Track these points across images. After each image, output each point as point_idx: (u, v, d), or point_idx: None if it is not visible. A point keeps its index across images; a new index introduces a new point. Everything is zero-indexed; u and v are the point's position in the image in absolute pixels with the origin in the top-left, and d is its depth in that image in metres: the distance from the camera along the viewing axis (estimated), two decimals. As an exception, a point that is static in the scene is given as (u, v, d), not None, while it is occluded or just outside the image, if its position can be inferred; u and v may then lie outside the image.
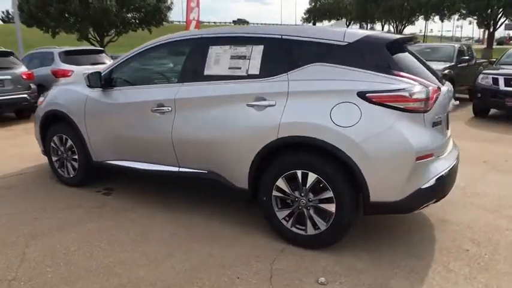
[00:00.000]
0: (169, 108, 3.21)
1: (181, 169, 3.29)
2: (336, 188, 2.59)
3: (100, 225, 3.25)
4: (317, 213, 2.71)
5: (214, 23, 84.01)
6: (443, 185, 2.66)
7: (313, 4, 42.45)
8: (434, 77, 2.86)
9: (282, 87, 2.74)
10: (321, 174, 2.62)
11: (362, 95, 2.49)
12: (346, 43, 2.66)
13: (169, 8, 20.28)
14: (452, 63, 9.05)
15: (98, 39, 22.28)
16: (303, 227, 2.78)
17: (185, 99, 3.13)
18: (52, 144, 4.18)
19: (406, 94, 2.45)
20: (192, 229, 3.16)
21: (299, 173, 2.70)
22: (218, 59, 3.05)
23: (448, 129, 3.01)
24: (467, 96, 9.80)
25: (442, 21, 41.49)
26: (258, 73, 2.86)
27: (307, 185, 2.69)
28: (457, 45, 10.15)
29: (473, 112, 8.03)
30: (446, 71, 8.23)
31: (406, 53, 2.88)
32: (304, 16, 45.52)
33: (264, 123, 2.77)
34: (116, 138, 3.63)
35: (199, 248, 2.86)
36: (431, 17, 40.96)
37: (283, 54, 2.82)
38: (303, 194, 2.72)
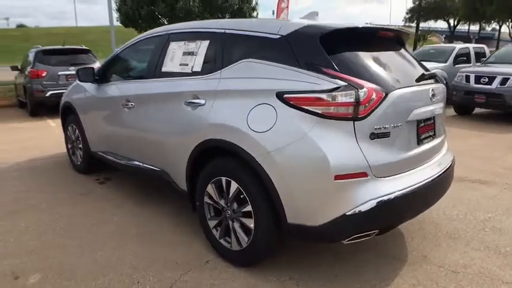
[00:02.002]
0: (133, 104, 3.24)
1: (144, 165, 3.29)
2: (254, 202, 2.27)
3: (69, 211, 3.43)
4: (241, 227, 2.42)
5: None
6: (388, 212, 2.10)
7: (417, 2, 38.44)
8: (398, 79, 2.29)
9: (213, 85, 2.52)
10: (240, 184, 2.33)
11: (280, 95, 2.13)
12: (278, 36, 2.31)
13: (253, 9, 20.51)
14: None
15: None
16: (230, 241, 2.52)
17: (142, 96, 3.14)
18: (67, 132, 4.61)
19: (324, 96, 2.00)
20: (141, 227, 3.11)
21: (224, 180, 2.44)
22: (173, 56, 2.97)
23: (431, 138, 2.45)
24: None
25: None
26: (200, 70, 2.70)
27: (230, 195, 2.42)
28: None
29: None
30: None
31: (365, 47, 2.34)
32: (407, 16, 41.73)
33: (195, 123, 2.59)
34: (100, 131, 3.83)
35: (130, 246, 2.80)
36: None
37: (222, 49, 2.60)
38: (228, 204, 2.46)
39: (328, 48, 2.15)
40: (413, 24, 40.00)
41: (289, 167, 2.07)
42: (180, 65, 2.87)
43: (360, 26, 2.26)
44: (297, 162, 2.05)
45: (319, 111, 2.01)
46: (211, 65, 2.62)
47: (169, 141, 2.85)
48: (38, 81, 8.34)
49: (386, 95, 2.09)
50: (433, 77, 2.64)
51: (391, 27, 2.47)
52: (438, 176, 2.38)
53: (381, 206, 2.02)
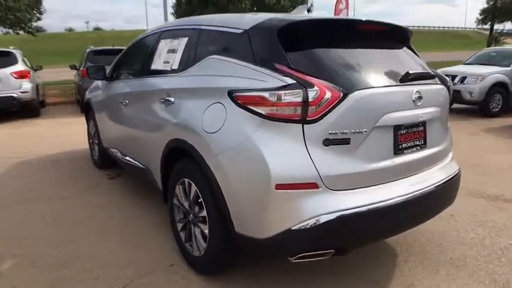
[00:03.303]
0: (127, 102, 3.29)
1: (135, 162, 3.32)
2: (207, 207, 2.15)
3: (70, 203, 3.58)
4: (201, 233, 2.31)
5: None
6: (344, 230, 1.83)
7: (491, 3, 34.56)
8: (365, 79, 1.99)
9: (181, 83, 2.45)
10: (198, 188, 2.22)
11: (230, 94, 1.97)
12: (241, 31, 2.15)
13: (308, 11, 20.32)
14: None
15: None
16: (192, 246, 2.41)
17: (132, 93, 3.19)
18: (88, 128, 4.85)
19: (267, 95, 1.80)
20: (128, 225, 3.12)
21: (186, 182, 2.35)
22: (160, 54, 2.95)
23: (419, 148, 2.15)
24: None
25: None
26: (177, 67, 2.64)
27: (191, 198, 2.32)
28: None
29: None
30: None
31: (338, 42, 2.08)
32: (480, 17, 37.72)
33: (165, 121, 2.54)
34: (107, 128, 3.96)
35: (108, 243, 2.82)
36: None
37: (196, 46, 2.51)
38: (191, 208, 2.37)
39: (289, 43, 1.94)
40: (487, 26, 36.46)
41: (234, 172, 1.91)
42: (164, 62, 2.84)
43: (323, 18, 2.03)
44: (240, 168, 1.89)
45: (263, 112, 1.82)
46: (186, 62, 2.56)
47: (148, 140, 2.84)
48: (88, 80, 8.93)
49: (346, 95, 1.82)
50: (431, 77, 2.30)
51: (375, 20, 2.16)
52: (421, 193, 2.04)
53: (334, 223, 1.77)
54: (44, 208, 3.45)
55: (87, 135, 4.98)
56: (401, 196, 1.96)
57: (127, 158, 3.50)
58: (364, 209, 1.83)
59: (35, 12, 13.49)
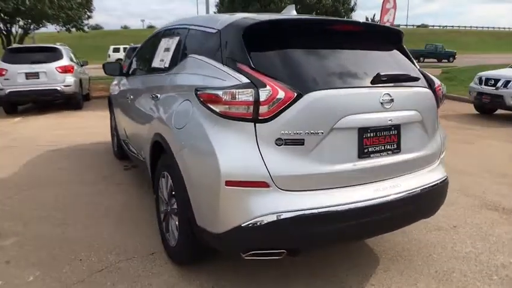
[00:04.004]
0: (132, 97, 3.47)
1: (137, 154, 3.50)
2: (177, 199, 2.24)
3: (81, 190, 3.85)
4: (175, 224, 2.40)
5: (444, 27, 75.16)
6: (294, 231, 1.82)
7: None
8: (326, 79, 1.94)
9: (166, 80, 2.56)
10: (171, 180, 2.31)
11: (196, 91, 2.03)
12: (215, 30, 2.20)
13: (351, 10, 19.58)
14: None
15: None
16: (169, 236, 2.52)
17: (134, 89, 3.36)
18: (111, 121, 5.15)
19: (220, 94, 1.84)
20: (127, 213, 3.30)
21: (166, 174, 2.46)
22: (159, 52, 3.08)
23: (391, 153, 2.08)
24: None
25: None
26: (168, 66, 2.76)
27: (168, 190, 2.43)
28: None
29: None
30: None
31: (309, 41, 2.06)
32: None
33: (151, 116, 2.67)
34: (119, 121, 4.19)
35: (103, 228, 3.01)
36: None
37: (183, 45, 2.61)
38: (169, 200, 2.47)
39: (254, 43, 1.97)
40: None
41: (193, 167, 1.99)
42: (160, 61, 2.98)
43: (290, 18, 2.02)
44: (197, 163, 1.96)
45: (217, 110, 1.87)
46: (175, 60, 2.66)
47: (143, 133, 2.99)
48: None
49: (300, 95, 1.81)
50: (410, 79, 2.20)
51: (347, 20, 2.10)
52: (387, 200, 1.97)
53: (283, 223, 1.78)
54: (57, 193, 3.75)
55: (110, 128, 5.30)
56: (361, 201, 1.90)
57: (132, 149, 3.70)
58: (316, 211, 1.81)
59: (85, 10, 14.46)
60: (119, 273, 2.40)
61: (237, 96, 1.80)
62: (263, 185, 1.80)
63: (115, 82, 4.72)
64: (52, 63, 8.55)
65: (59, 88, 8.54)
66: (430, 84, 2.31)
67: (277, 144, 1.81)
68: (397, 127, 2.09)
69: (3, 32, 13.31)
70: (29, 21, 13.17)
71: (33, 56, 8.56)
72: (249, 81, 1.82)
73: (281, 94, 1.79)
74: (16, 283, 2.30)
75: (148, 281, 2.33)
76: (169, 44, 2.90)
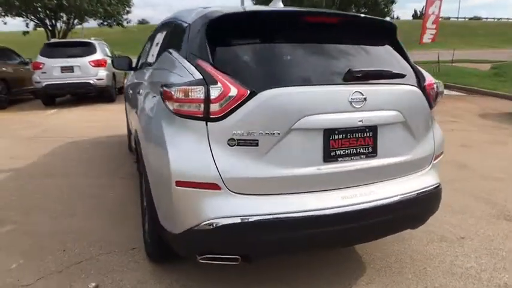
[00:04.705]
0: (131, 91, 3.51)
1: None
2: (146, 197, 2.22)
3: (86, 181, 3.98)
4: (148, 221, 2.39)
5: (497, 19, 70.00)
6: (246, 237, 1.73)
7: None
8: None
9: (147, 76, 2.54)
10: (140, 177, 2.30)
11: (161, 88, 1.97)
12: (187, 24, 2.13)
13: (392, 2, 18.56)
14: None
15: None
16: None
17: (132, 84, 3.38)
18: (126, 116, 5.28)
19: (172, 91, 1.76)
20: (124, 207, 3.34)
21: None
22: (153, 47, 3.10)
23: (364, 157, 1.91)
24: None
25: None
26: (154, 60, 2.74)
27: (144, 186, 2.41)
28: None
29: None
30: None
31: (279, 36, 1.93)
32: None
33: (135, 112, 2.67)
34: (127, 115, 4.27)
35: (97, 221, 3.08)
36: None
37: (165, 40, 2.57)
38: (144, 195, 2.46)
39: (217, 37, 1.87)
40: None
41: (153, 165, 1.96)
42: (151, 55, 2.97)
43: (257, 11, 1.90)
44: (155, 162, 1.93)
45: (171, 107, 1.80)
46: (158, 55, 2.63)
47: (132, 130, 3.01)
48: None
49: (253, 93, 1.69)
50: (392, 76, 1.99)
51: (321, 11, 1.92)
52: (356, 209, 1.81)
53: (232, 228, 1.70)
54: (64, 184, 3.90)
55: (126, 122, 5.43)
56: (323, 209, 1.76)
57: (133, 144, 3.76)
58: (270, 217, 1.70)
59: (124, 5, 14.99)
60: (96, 266, 2.44)
61: (189, 93, 1.72)
62: (214, 187, 1.72)
63: (129, 76, 4.83)
64: (86, 57, 8.95)
65: (91, 81, 8.92)
66: (419, 82, 2.09)
67: (229, 145, 1.72)
68: (372, 129, 1.90)
69: (49, 27, 14.16)
70: (72, 16, 13.90)
71: (69, 51, 9.01)
72: (201, 78, 1.73)
73: (233, 92, 1.68)
74: (-2, 269, 2.41)
75: (121, 276, 2.34)
76: (159, 38, 2.88)
